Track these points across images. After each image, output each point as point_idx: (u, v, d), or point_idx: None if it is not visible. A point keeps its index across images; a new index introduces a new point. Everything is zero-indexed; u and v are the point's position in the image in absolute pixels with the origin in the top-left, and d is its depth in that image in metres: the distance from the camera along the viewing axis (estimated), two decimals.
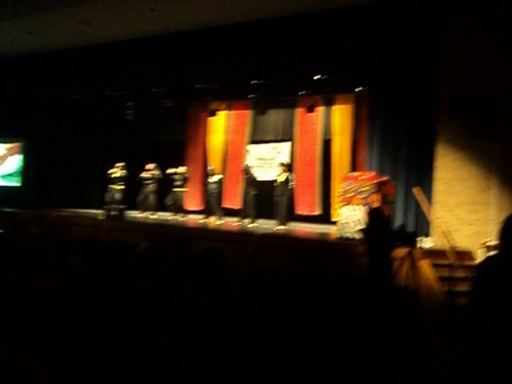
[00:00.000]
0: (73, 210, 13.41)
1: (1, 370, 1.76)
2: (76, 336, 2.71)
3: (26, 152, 14.74)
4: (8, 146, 15.13)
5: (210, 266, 3.74)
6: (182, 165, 13.11)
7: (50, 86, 13.92)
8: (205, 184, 12.57)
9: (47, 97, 14.19)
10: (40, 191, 14.24)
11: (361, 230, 7.54)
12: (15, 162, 14.98)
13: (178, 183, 12.48)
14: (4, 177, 15.18)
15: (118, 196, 12.45)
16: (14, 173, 15.01)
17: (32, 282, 3.46)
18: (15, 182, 14.89)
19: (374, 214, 7.11)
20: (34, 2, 10.56)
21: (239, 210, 12.07)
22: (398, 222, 9.38)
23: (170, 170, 12.49)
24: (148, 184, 12.68)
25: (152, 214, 12.64)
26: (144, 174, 12.71)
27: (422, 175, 9.58)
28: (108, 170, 12.79)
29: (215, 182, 12.04)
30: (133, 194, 12.68)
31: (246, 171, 11.58)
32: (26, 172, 14.69)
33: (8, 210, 12.67)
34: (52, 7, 10.66)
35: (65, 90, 13.90)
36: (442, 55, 9.07)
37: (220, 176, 12.32)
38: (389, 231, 7.29)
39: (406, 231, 9.30)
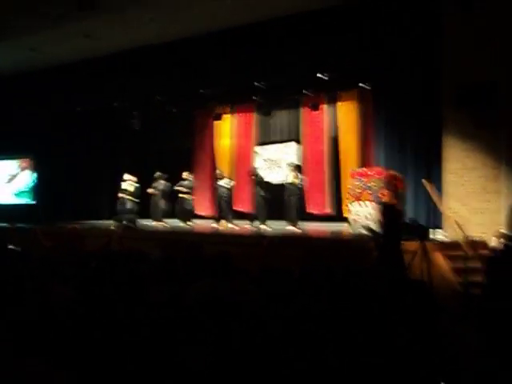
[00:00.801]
0: (85, 221, 13.49)
1: None
2: (92, 343, 2.74)
3: (37, 168, 14.87)
4: (20, 162, 15.29)
5: (220, 269, 3.76)
6: (190, 171, 13.06)
7: (55, 101, 14.06)
8: (215, 188, 12.56)
9: (54, 111, 14.30)
10: (52, 205, 14.35)
11: (371, 228, 7.52)
12: (26, 178, 15.12)
13: (185, 191, 12.43)
14: (17, 194, 15.34)
15: (129, 205, 12.44)
16: (27, 188, 15.15)
17: (47, 292, 3.50)
18: (28, 199, 15.03)
19: (386, 209, 7.08)
20: (37, 20, 10.68)
21: (250, 212, 12.08)
22: (408, 215, 9.35)
23: (177, 187, 12.48)
24: (157, 193, 12.68)
25: (163, 222, 12.65)
26: (151, 190, 12.68)
27: (431, 167, 9.56)
28: (116, 179, 12.81)
29: (225, 186, 12.04)
30: (143, 202, 12.71)
31: (253, 173, 11.56)
32: (37, 188, 14.82)
33: (21, 225, 12.77)
34: (54, 24, 10.77)
35: (71, 104, 14.02)
36: (444, 45, 9.05)
37: (228, 180, 12.28)
38: (401, 225, 7.25)
39: (418, 224, 9.26)
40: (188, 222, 12.36)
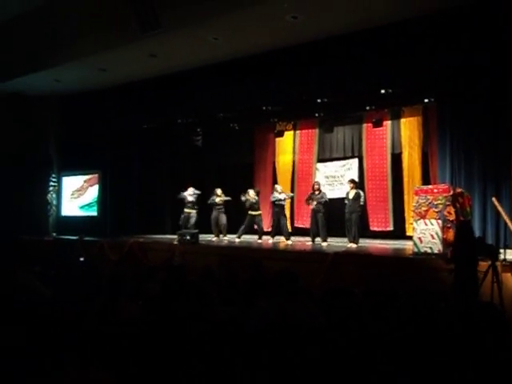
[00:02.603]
0: (148, 236, 13.80)
1: None
2: (157, 360, 2.79)
3: (102, 182, 15.38)
4: (86, 177, 15.85)
5: (285, 288, 3.73)
6: (252, 187, 13.13)
7: (122, 118, 14.51)
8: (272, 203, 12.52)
9: (119, 127, 14.78)
10: (117, 219, 14.76)
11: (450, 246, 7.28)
12: (93, 192, 15.66)
13: (254, 206, 12.42)
14: (83, 207, 15.88)
15: (192, 220, 12.71)
16: (92, 203, 15.67)
17: (115, 308, 3.59)
18: (93, 212, 15.54)
19: (464, 227, 6.86)
20: (106, 40, 11.14)
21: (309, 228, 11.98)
22: (476, 234, 9.03)
23: (243, 197, 12.46)
24: (218, 208, 12.83)
25: (224, 237, 12.77)
26: (216, 199, 12.82)
27: (499, 185, 9.21)
28: (179, 194, 13.08)
29: (280, 200, 12.03)
30: (205, 217, 12.89)
31: (316, 189, 11.43)
32: (102, 201, 15.31)
33: (88, 238, 13.20)
34: (123, 43, 11.20)
35: (137, 121, 14.45)
36: (510, 59, 8.75)
37: (283, 194, 12.22)
38: (477, 245, 6.99)
39: (487, 243, 8.93)
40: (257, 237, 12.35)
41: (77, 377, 2.11)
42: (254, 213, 12.33)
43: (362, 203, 10.97)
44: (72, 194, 16.11)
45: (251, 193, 12.38)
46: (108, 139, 15.14)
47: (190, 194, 12.92)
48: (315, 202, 11.28)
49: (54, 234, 14.98)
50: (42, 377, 2.06)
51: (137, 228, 14.58)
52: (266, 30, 10.25)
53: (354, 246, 10.47)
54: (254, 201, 12.34)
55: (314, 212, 11.34)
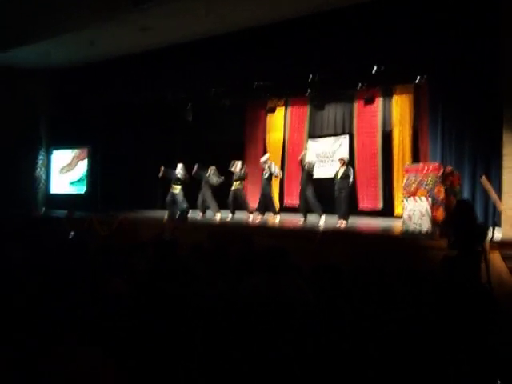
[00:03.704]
0: (139, 211, 13.76)
1: (83, 374, 1.84)
2: (143, 336, 2.78)
3: (92, 157, 15.27)
4: (76, 152, 15.72)
5: (275, 264, 3.73)
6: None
7: (112, 92, 14.38)
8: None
9: (109, 102, 14.65)
10: (106, 195, 14.70)
11: (444, 223, 7.28)
12: (83, 167, 15.55)
13: (236, 180, 12.12)
14: (72, 183, 15.79)
15: (179, 197, 12.40)
16: (81, 178, 15.58)
17: (100, 284, 3.57)
18: (82, 188, 15.46)
19: (462, 205, 6.85)
20: (99, 13, 10.96)
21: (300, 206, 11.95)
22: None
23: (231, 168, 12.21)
24: (205, 185, 12.63)
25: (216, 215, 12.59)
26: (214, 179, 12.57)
27: (489, 164, 9.25)
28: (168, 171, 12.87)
29: (267, 178, 11.90)
30: (194, 194, 12.81)
31: (304, 163, 11.27)
32: (92, 177, 15.22)
33: (77, 213, 13.15)
34: (110, 18, 11.01)
35: (126, 96, 14.30)
36: (503, 38, 8.70)
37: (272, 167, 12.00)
38: (477, 223, 6.98)
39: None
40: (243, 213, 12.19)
41: (64, 353, 2.10)
42: (233, 187, 12.08)
43: (350, 182, 10.85)
44: (61, 169, 15.99)
45: (238, 165, 12.21)
46: (98, 114, 15.02)
47: (179, 171, 12.65)
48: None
49: (43, 210, 14.90)
50: (28, 354, 2.05)
51: (127, 203, 14.53)
52: (258, 5, 10.11)
53: (344, 223, 10.43)
54: (237, 174, 12.09)
55: (302, 189, 11.24)
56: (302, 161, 11.33)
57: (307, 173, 11.15)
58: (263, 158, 12.01)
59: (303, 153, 11.77)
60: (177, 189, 12.28)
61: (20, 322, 2.26)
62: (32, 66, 14.81)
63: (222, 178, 12.46)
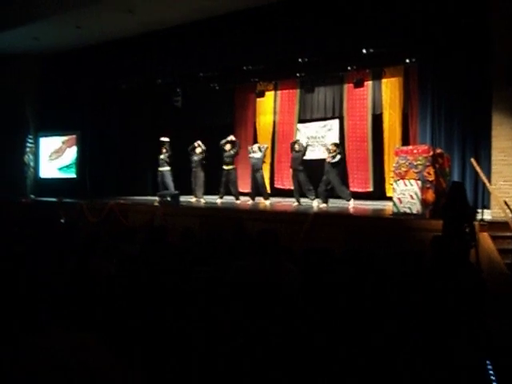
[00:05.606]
0: (129, 197, 13.70)
1: (75, 359, 1.82)
2: (132, 317, 2.78)
3: (81, 143, 15.15)
4: (64, 138, 15.58)
5: (265, 247, 3.73)
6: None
7: (100, 78, 14.24)
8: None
9: (98, 88, 14.51)
10: (96, 181, 14.61)
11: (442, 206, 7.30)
12: (72, 153, 15.43)
13: (227, 160, 12.08)
14: (61, 169, 15.67)
15: (167, 180, 12.29)
16: (70, 164, 15.46)
17: (89, 267, 3.56)
18: (72, 174, 15.35)
19: (456, 188, 6.87)
20: None
21: (291, 190, 11.97)
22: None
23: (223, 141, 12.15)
24: (196, 167, 12.61)
25: (201, 199, 12.53)
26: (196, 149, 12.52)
27: (479, 146, 9.29)
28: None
29: (255, 158, 11.91)
30: (186, 178, 12.77)
31: (296, 146, 11.27)
32: (81, 163, 15.11)
33: (67, 200, 13.08)
34: None
35: (115, 81, 14.18)
36: (494, 20, 8.69)
37: (261, 148, 12.03)
38: (469, 206, 7.02)
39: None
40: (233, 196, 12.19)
41: (58, 339, 2.07)
42: (226, 167, 12.06)
43: (339, 164, 10.79)
44: (50, 156, 15.85)
45: (227, 146, 12.10)
46: (87, 99, 14.86)
47: (164, 152, 12.57)
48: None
49: (33, 196, 14.79)
50: (21, 339, 2.03)
51: (117, 189, 14.45)
52: None
53: (351, 203, 10.49)
54: (227, 153, 12.03)
55: (294, 171, 11.26)
56: (293, 147, 11.33)
57: (299, 157, 11.16)
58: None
59: (296, 140, 11.83)
60: (165, 170, 12.35)
61: (7, 308, 2.23)
62: (19, 51, 14.60)
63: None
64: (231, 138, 12.27)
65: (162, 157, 12.41)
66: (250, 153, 12.11)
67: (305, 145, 11.35)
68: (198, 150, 12.56)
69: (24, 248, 4.72)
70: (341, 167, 11.14)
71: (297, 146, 11.24)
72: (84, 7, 11.32)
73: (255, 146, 12.25)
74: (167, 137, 12.71)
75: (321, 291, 3.27)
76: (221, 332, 2.56)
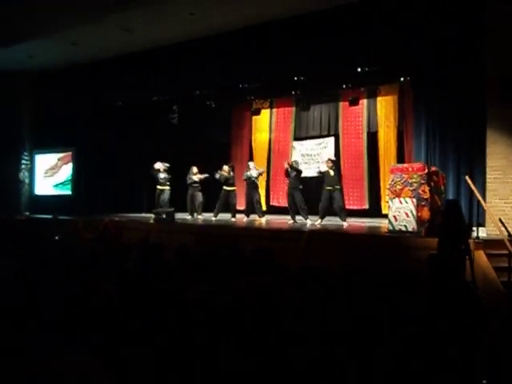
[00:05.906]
0: (125, 214, 13.67)
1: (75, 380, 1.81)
2: (130, 336, 2.76)
3: (77, 160, 15.14)
4: (60, 155, 15.58)
5: (261, 266, 3.72)
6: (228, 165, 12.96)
7: (96, 95, 14.29)
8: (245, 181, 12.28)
9: (94, 105, 14.55)
10: (92, 198, 14.58)
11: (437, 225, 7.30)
12: (67, 170, 15.42)
13: (229, 181, 12.29)
14: (57, 186, 15.64)
15: (165, 197, 12.52)
16: (66, 181, 15.44)
17: (88, 286, 3.54)
18: (67, 190, 15.32)
19: (452, 206, 6.89)
20: (79, 14, 10.88)
21: (286, 207, 11.97)
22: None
23: (217, 175, 12.30)
24: (195, 186, 12.70)
25: (199, 216, 12.63)
26: (193, 177, 12.66)
27: (473, 164, 9.33)
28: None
29: (252, 177, 11.95)
30: (182, 195, 12.79)
31: (293, 167, 11.31)
32: (77, 180, 15.09)
33: (62, 217, 13.03)
34: (94, 18, 10.94)
35: (111, 98, 14.23)
36: (487, 39, 8.80)
37: (256, 170, 12.08)
38: (465, 224, 7.02)
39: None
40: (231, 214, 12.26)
41: (64, 362, 2.05)
42: (228, 188, 12.23)
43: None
44: (45, 173, 15.84)
45: (226, 168, 12.28)
46: (82, 116, 14.91)
47: (158, 169, 12.73)
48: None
49: (27, 213, 14.74)
50: (25, 360, 2.00)
51: (112, 207, 14.43)
52: (242, 7, 10.12)
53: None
54: (228, 176, 12.23)
55: (290, 189, 11.28)
56: (288, 169, 11.32)
57: (295, 176, 11.20)
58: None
59: (291, 160, 11.90)
60: (165, 189, 12.57)
61: (6, 326, 2.22)
62: (14, 68, 14.68)
63: (206, 175, 12.62)
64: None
65: (161, 176, 12.55)
66: (247, 170, 12.15)
67: (299, 167, 11.37)
68: (195, 170, 12.71)
69: (18, 266, 4.69)
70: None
71: (292, 172, 11.27)
72: (81, 27, 11.41)
73: (251, 164, 12.30)
74: (167, 162, 12.81)
75: (317, 309, 3.26)
76: (219, 350, 2.55)
